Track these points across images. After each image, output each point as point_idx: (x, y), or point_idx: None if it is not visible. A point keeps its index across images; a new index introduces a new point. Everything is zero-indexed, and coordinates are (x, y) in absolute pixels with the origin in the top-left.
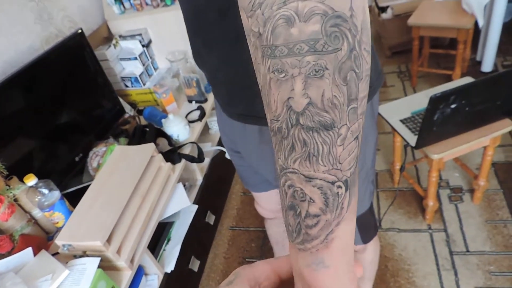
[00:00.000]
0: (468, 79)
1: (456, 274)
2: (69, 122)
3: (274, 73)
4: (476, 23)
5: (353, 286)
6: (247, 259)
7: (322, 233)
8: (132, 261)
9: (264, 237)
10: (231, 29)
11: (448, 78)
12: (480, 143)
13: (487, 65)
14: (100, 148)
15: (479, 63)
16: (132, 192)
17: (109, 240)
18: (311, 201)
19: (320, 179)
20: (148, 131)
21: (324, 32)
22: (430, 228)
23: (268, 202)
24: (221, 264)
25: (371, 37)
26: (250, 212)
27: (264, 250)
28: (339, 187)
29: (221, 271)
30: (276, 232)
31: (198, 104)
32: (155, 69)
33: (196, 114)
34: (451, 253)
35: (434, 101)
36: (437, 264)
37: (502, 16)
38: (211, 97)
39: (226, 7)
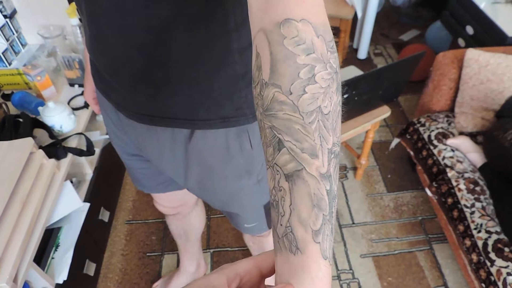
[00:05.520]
0: (353, 69)
1: (345, 245)
2: None
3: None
4: (355, 14)
5: None
6: (148, 254)
7: None
8: (15, 280)
9: (165, 228)
10: (156, 18)
11: None
12: (364, 128)
13: (362, 53)
14: None
15: (356, 50)
16: (9, 199)
17: None
18: None
19: None
20: (22, 122)
21: None
22: None
23: (169, 201)
24: (119, 263)
25: None
26: (148, 203)
27: (166, 242)
28: None
29: (120, 270)
30: (179, 226)
31: (82, 89)
32: (23, 45)
33: (80, 101)
34: (340, 226)
35: None
36: None
37: (376, 8)
38: None
39: None
